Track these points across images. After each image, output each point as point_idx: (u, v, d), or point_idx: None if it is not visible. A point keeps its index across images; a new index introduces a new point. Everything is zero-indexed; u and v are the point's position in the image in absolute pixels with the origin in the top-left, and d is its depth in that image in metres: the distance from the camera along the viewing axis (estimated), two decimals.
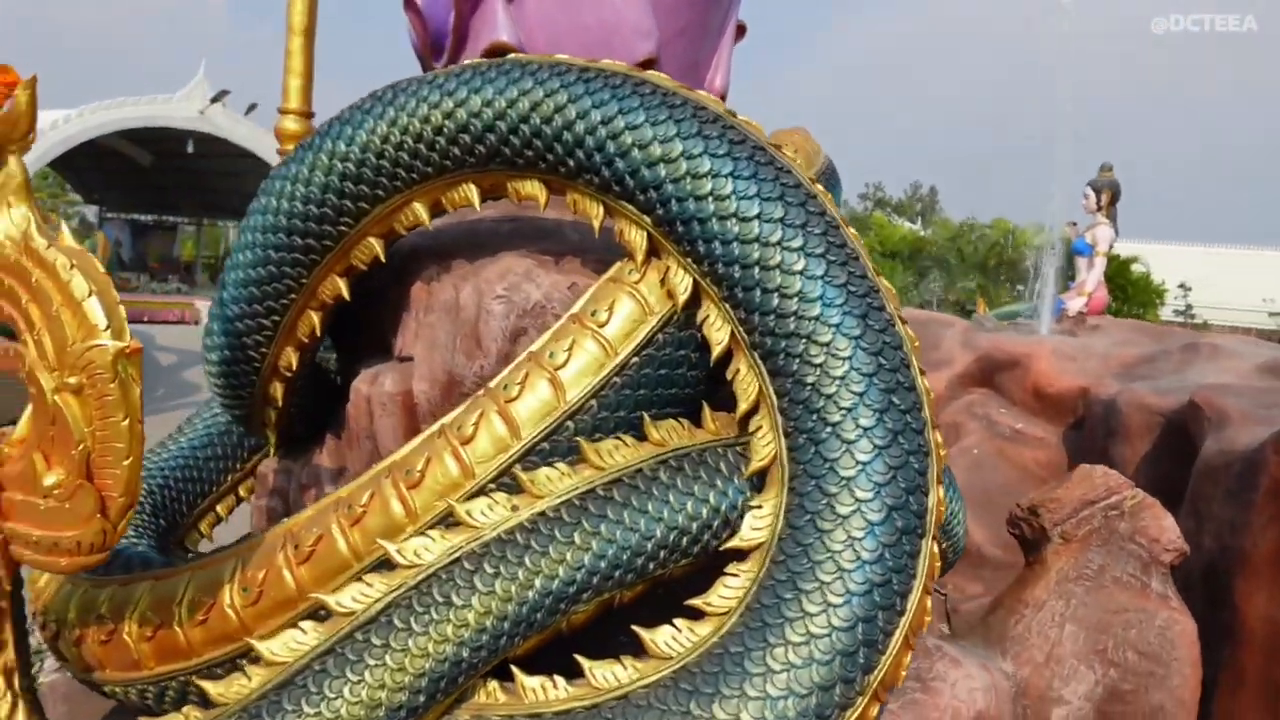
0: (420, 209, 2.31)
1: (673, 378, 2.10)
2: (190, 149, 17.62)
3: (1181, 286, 26.09)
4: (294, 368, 2.53)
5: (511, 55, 2.23)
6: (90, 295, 1.62)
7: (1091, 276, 8.39)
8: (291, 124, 3.07)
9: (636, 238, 2.09)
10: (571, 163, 2.09)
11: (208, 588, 2.04)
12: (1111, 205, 8.81)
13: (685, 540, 1.93)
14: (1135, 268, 22.13)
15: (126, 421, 1.63)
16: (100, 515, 1.66)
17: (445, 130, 2.18)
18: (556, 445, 2.00)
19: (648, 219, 2.05)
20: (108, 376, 1.61)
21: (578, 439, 2.00)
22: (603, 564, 1.85)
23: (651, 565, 1.91)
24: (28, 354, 1.66)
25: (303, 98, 3.08)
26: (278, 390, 2.61)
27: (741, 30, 3.27)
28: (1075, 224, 9.36)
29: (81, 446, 1.62)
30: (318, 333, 2.48)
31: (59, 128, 16.41)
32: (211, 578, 2.06)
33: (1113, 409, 4.36)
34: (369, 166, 2.27)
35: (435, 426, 2.10)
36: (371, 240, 2.39)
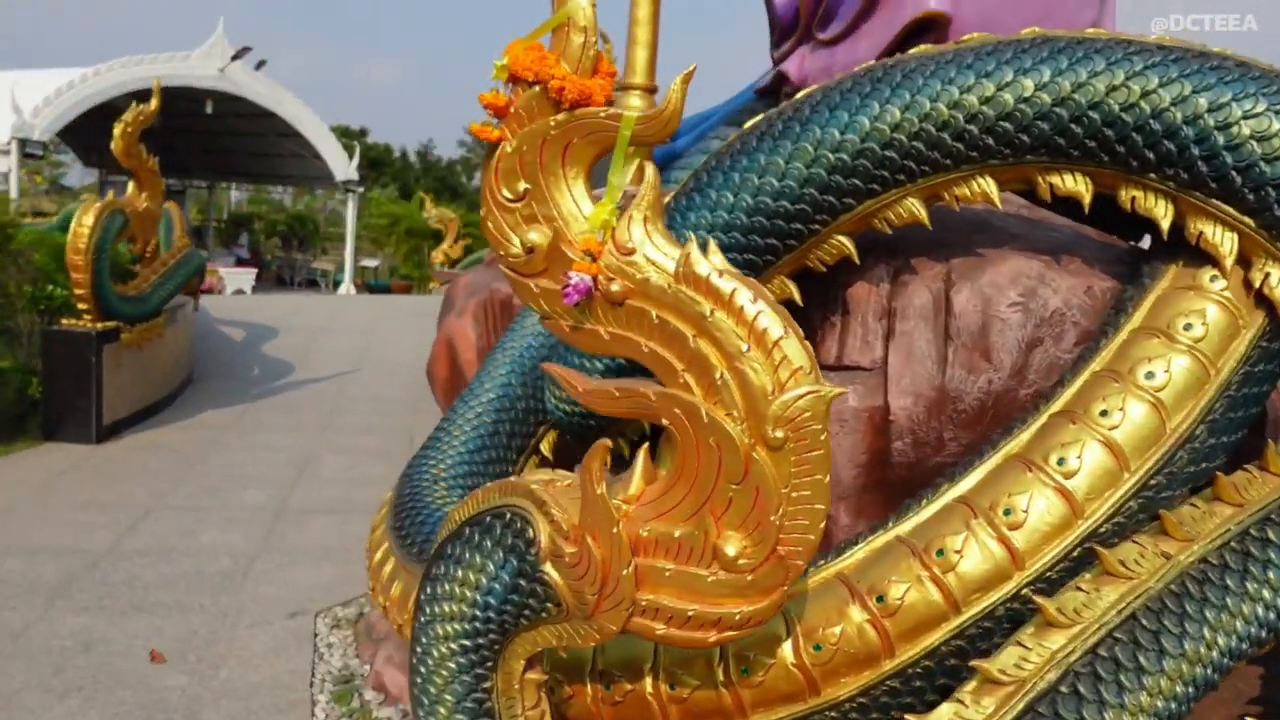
0: (916, 204, 2.06)
1: (1260, 396, 1.88)
2: (210, 109, 16.91)
3: None
4: None
5: (1065, 31, 1.95)
6: (786, 334, 1.36)
7: None
8: (636, 100, 2.77)
9: (1225, 241, 1.84)
10: (1151, 155, 1.83)
11: (760, 643, 1.81)
12: None
13: None
14: None
15: (827, 479, 1.39)
16: (783, 587, 1.43)
17: (980, 116, 1.92)
18: (1172, 478, 1.77)
19: (1250, 220, 1.81)
20: (818, 429, 1.36)
21: (1189, 470, 1.78)
22: (1272, 615, 1.64)
23: None
24: (694, 399, 1.40)
25: (648, 72, 2.77)
26: None
27: None
28: None
29: (781, 511, 1.38)
30: None
31: (75, 89, 15.61)
32: (762, 630, 1.83)
33: None
34: (869, 157, 2.00)
35: (998, 456, 1.87)
36: (841, 239, 2.13)
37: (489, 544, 1.63)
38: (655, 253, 1.43)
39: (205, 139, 19.94)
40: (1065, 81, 1.86)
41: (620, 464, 2.84)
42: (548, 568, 1.55)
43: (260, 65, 19.06)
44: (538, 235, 1.51)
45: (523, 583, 1.59)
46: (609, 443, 1.46)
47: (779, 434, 1.36)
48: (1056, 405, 1.89)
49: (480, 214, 1.58)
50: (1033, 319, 2.07)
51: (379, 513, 3.11)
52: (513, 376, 3.28)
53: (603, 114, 1.45)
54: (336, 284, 21.04)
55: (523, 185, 1.52)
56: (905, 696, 1.77)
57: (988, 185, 2.00)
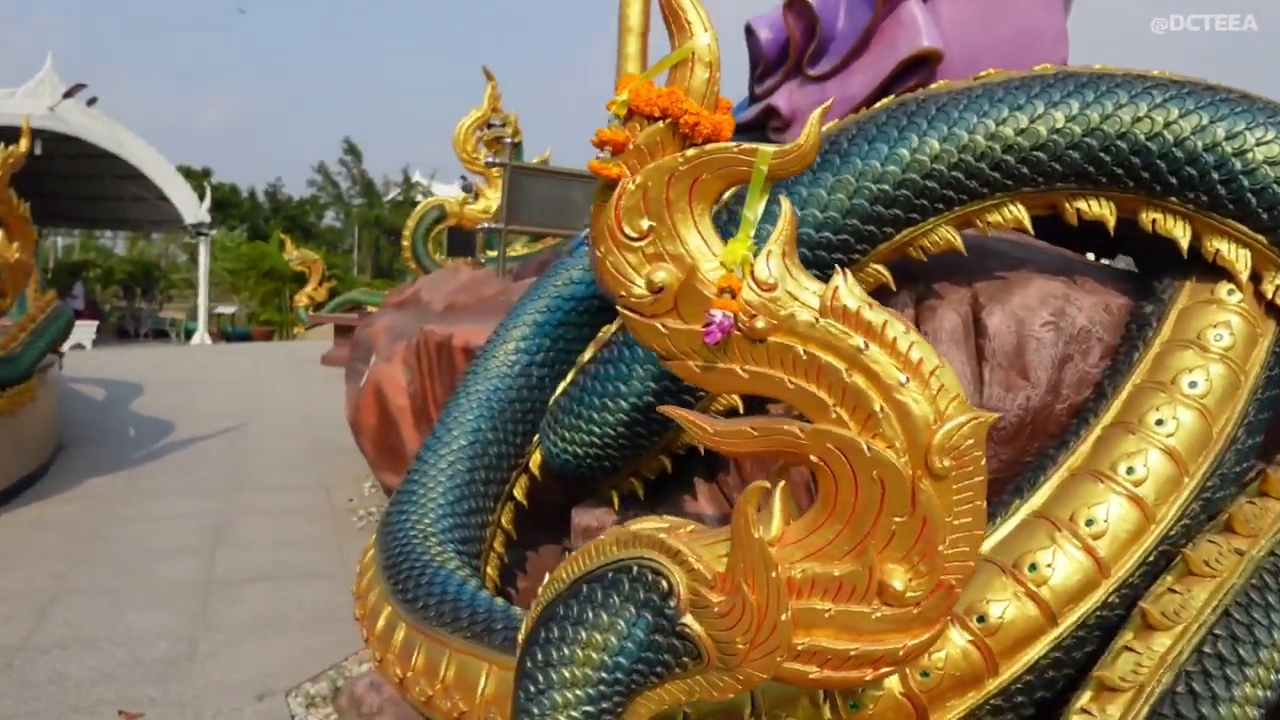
0: (949, 232, 2.14)
1: (1276, 399, 2.05)
2: (39, 150, 15.47)
3: None
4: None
5: (1080, 66, 2.08)
6: (941, 364, 1.37)
7: None
8: None
9: (1240, 257, 2.01)
10: (1174, 180, 1.99)
11: None
12: None
13: None
14: None
15: (984, 505, 1.40)
16: (946, 617, 1.43)
17: (1016, 147, 2.02)
18: (1224, 479, 1.90)
19: (1263, 238, 1.98)
20: (979, 455, 1.37)
21: (1236, 470, 1.92)
22: None
23: None
24: (852, 434, 1.38)
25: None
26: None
27: None
28: None
29: (947, 540, 1.38)
30: None
31: None
32: None
33: None
34: (910, 187, 2.07)
35: (1063, 470, 1.94)
36: (878, 267, 2.19)
37: (616, 600, 1.54)
38: (796, 287, 1.42)
39: (32, 181, 18.21)
40: (1094, 113, 1.99)
41: (631, 503, 2.79)
42: (689, 619, 1.48)
43: (92, 102, 17.71)
44: (665, 274, 1.46)
45: (659, 638, 1.51)
46: (764, 484, 1.42)
47: (945, 463, 1.36)
48: (1107, 418, 1.99)
49: (599, 253, 1.51)
50: (1063, 336, 2.18)
51: (360, 579, 2.89)
52: (482, 421, 3.16)
53: (736, 149, 1.43)
54: (189, 333, 19.65)
55: (646, 223, 1.47)
56: (1007, 713, 1.80)
57: (1019, 212, 2.11)
